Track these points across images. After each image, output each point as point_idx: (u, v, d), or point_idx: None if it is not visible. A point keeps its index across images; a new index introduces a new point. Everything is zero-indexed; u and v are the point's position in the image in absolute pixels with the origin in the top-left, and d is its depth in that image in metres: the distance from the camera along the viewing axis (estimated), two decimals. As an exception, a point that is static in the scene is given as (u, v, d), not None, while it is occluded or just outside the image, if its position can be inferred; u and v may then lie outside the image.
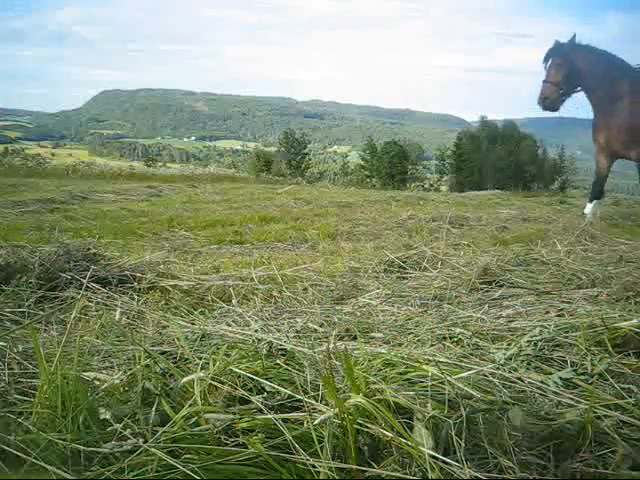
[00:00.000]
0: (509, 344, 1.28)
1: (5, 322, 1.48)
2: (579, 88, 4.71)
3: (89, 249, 1.99)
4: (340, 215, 4.40)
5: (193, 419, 0.88)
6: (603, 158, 4.84)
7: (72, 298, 1.66)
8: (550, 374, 1.09)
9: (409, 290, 1.93)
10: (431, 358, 1.08)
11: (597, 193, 4.82)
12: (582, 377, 1.07)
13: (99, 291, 1.71)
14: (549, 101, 4.70)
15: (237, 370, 0.98)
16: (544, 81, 4.68)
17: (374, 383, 0.89)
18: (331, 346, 1.09)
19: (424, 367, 1.00)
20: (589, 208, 4.74)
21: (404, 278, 2.16)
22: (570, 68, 4.62)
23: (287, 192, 6.73)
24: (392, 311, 1.67)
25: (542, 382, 1.04)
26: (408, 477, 0.76)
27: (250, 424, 0.86)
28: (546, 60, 4.69)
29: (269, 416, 0.86)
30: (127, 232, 3.37)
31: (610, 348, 1.21)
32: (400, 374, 0.99)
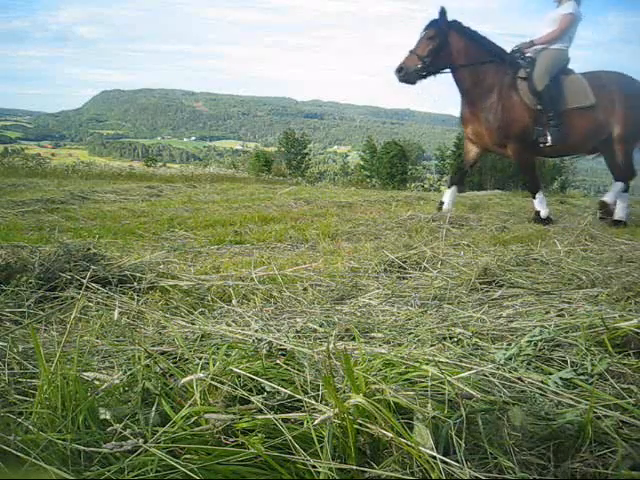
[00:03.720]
0: (509, 344, 1.28)
1: (5, 322, 1.48)
2: (448, 70, 4.42)
3: (89, 249, 1.99)
4: (340, 215, 4.40)
5: (193, 419, 0.88)
6: (471, 149, 4.63)
7: (72, 298, 1.66)
8: (550, 374, 1.09)
9: (409, 290, 1.94)
10: (431, 358, 1.08)
11: (456, 179, 4.64)
12: (582, 377, 1.07)
13: (99, 291, 1.71)
14: (404, 71, 4.28)
15: (237, 370, 0.98)
16: (409, 50, 4.36)
17: (374, 383, 0.89)
18: (331, 346, 1.09)
19: (424, 367, 1.00)
20: (446, 196, 4.57)
21: (404, 278, 2.16)
22: (441, 44, 4.28)
23: (287, 192, 6.73)
24: (392, 311, 1.67)
25: (542, 382, 1.04)
26: (408, 477, 0.76)
27: (250, 424, 0.86)
28: (423, 31, 4.37)
29: (269, 416, 0.86)
30: (127, 232, 3.37)
31: (610, 348, 1.21)
32: (400, 374, 0.99)
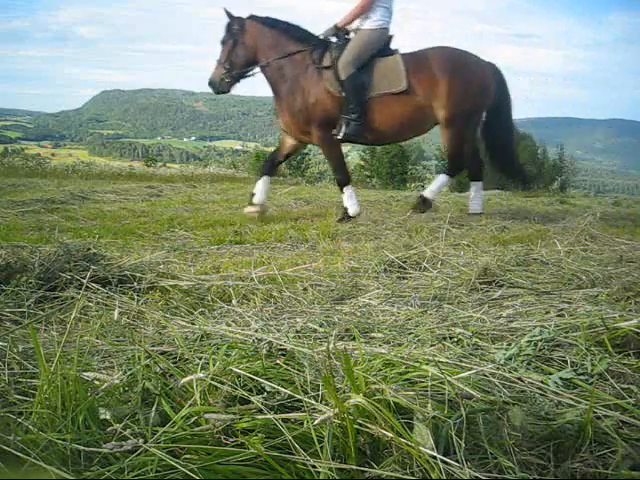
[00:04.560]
0: (509, 344, 1.28)
1: (5, 322, 1.48)
2: (257, 69, 4.20)
3: (89, 249, 1.99)
4: (340, 215, 4.40)
5: (193, 419, 0.88)
6: (286, 141, 4.35)
7: (72, 298, 1.66)
8: (550, 374, 1.09)
9: (409, 290, 1.94)
10: (431, 358, 1.08)
11: (267, 169, 4.29)
12: (582, 377, 1.07)
13: (99, 291, 1.71)
14: (213, 84, 4.21)
15: (237, 370, 0.98)
16: (216, 60, 4.22)
17: (374, 383, 0.89)
18: (331, 346, 1.09)
19: (424, 367, 1.00)
20: (257, 187, 4.19)
21: (404, 278, 2.16)
22: (235, 45, 4.10)
23: (287, 192, 6.73)
24: (392, 311, 1.67)
25: (542, 382, 1.04)
26: (408, 477, 0.76)
27: (250, 424, 0.86)
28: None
29: (269, 416, 0.86)
30: (127, 232, 3.37)
31: (610, 348, 1.21)
32: (400, 374, 0.99)
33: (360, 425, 0.82)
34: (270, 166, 4.41)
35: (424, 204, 4.22)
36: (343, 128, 3.96)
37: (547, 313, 1.55)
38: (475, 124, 4.22)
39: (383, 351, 1.17)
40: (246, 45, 4.11)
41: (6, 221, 3.69)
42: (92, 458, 0.80)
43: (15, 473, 0.76)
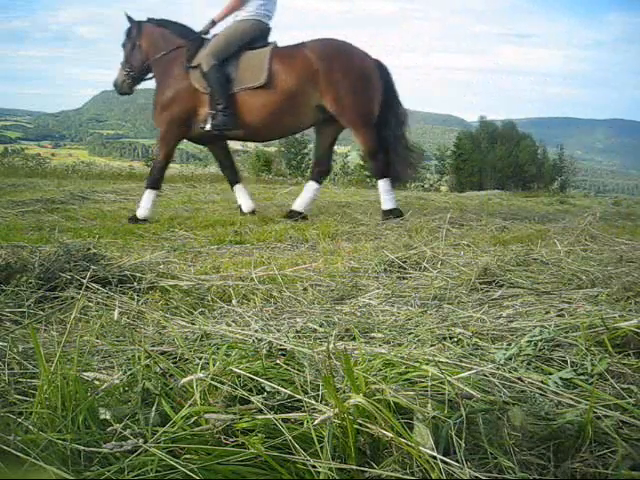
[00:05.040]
0: (509, 344, 1.28)
1: (5, 322, 1.48)
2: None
3: (89, 249, 1.99)
4: (340, 215, 4.40)
5: (193, 419, 0.88)
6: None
7: (72, 298, 1.66)
8: (550, 374, 1.09)
9: (409, 290, 1.94)
10: (431, 358, 1.08)
11: (155, 181, 4.09)
12: (582, 377, 1.07)
13: (99, 291, 1.71)
14: (117, 85, 4.29)
15: (237, 370, 0.98)
16: (120, 63, 4.31)
17: (374, 383, 0.89)
18: (331, 346, 1.09)
19: (424, 367, 1.00)
20: (145, 200, 3.98)
21: (404, 278, 2.16)
22: (133, 48, 4.19)
23: (287, 192, 6.72)
24: (392, 311, 1.67)
25: (542, 382, 1.04)
26: (408, 477, 0.76)
27: (250, 424, 0.86)
28: None
29: (269, 416, 0.86)
30: (127, 232, 3.37)
31: (610, 348, 1.21)
32: (400, 374, 0.99)
33: (360, 425, 0.82)
34: (161, 177, 4.33)
35: (392, 212, 4.10)
36: (210, 120, 3.91)
37: (547, 313, 1.55)
38: (368, 111, 3.99)
39: (383, 351, 1.17)
40: (141, 48, 4.22)
41: (6, 221, 3.69)
42: (92, 458, 0.80)
43: (15, 473, 0.76)
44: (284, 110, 3.91)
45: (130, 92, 4.37)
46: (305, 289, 1.96)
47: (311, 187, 4.32)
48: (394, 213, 4.06)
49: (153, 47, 4.15)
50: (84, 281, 1.53)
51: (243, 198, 4.35)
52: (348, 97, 3.86)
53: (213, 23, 4.09)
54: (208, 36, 4.13)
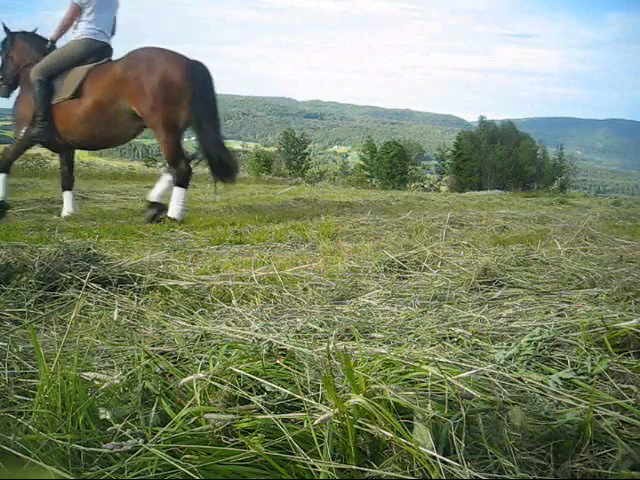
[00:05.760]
0: (509, 344, 1.28)
1: (5, 322, 1.48)
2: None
3: (89, 249, 1.99)
4: (340, 215, 4.40)
5: (193, 419, 0.88)
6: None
7: (72, 298, 1.66)
8: (550, 374, 1.09)
9: (409, 290, 1.94)
10: (431, 358, 1.08)
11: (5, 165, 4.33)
12: (582, 377, 1.07)
13: (99, 291, 1.71)
14: None
15: (237, 370, 0.98)
16: None
17: (374, 383, 0.89)
18: (331, 346, 1.09)
19: (424, 367, 1.00)
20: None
21: (404, 278, 2.16)
22: (7, 57, 4.51)
23: (287, 192, 6.73)
24: (392, 311, 1.67)
25: (542, 382, 1.04)
26: (408, 477, 0.76)
27: (250, 424, 0.86)
28: None
29: (269, 416, 0.86)
30: (127, 232, 3.37)
31: (610, 348, 1.21)
32: (400, 374, 0.99)
33: (360, 425, 0.82)
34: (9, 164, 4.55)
35: (154, 208, 4.10)
36: (24, 130, 4.24)
37: (547, 313, 1.55)
38: (169, 118, 4.05)
39: (383, 351, 1.17)
40: (12, 57, 4.52)
41: (6, 221, 3.69)
42: (92, 458, 0.80)
43: (15, 473, 0.76)
44: (95, 119, 4.12)
45: (7, 95, 4.65)
46: (305, 289, 1.96)
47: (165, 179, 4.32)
48: (175, 220, 3.94)
49: (20, 58, 4.50)
50: (84, 281, 1.53)
51: (66, 202, 4.44)
52: (150, 104, 3.97)
53: (52, 42, 4.38)
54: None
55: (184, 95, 3.99)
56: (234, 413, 0.88)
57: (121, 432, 0.84)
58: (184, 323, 1.48)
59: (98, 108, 4.05)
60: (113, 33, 4.46)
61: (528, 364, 1.15)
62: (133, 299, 1.70)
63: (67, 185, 4.46)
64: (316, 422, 0.83)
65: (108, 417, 0.89)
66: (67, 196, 4.43)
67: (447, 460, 0.75)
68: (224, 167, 4.21)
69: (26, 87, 4.34)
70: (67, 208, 4.38)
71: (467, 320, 1.50)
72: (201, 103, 4.05)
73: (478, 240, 3.14)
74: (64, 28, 4.30)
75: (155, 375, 1.00)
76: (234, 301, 1.77)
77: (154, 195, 4.15)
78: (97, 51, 4.25)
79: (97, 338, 1.31)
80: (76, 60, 4.19)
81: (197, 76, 4.07)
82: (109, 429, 0.86)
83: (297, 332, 1.40)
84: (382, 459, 0.81)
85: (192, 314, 1.62)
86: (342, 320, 1.52)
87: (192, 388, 0.94)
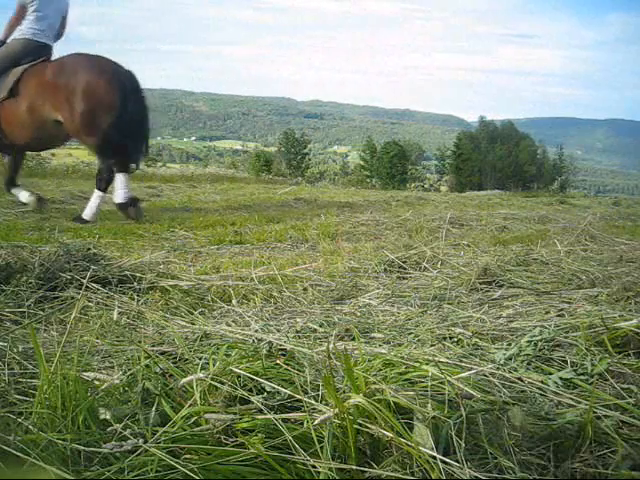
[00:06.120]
0: (509, 344, 1.28)
1: (5, 322, 1.48)
2: None
3: (89, 249, 1.99)
4: (340, 215, 4.40)
5: (193, 419, 0.88)
6: None
7: (72, 298, 1.66)
8: (550, 374, 1.09)
9: (409, 290, 1.94)
10: (431, 358, 1.08)
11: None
12: (582, 377, 1.07)
13: (99, 291, 1.71)
14: None
15: (237, 370, 0.98)
16: None
17: (374, 383, 0.89)
18: (331, 346, 1.09)
19: (424, 367, 1.00)
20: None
21: (404, 278, 2.16)
22: None
23: (287, 192, 6.73)
24: (392, 311, 1.67)
25: (542, 382, 1.04)
26: (408, 477, 0.76)
27: (250, 424, 0.86)
28: None
29: (269, 416, 0.86)
30: (127, 232, 3.37)
31: (610, 348, 1.21)
32: (400, 374, 0.99)
33: (360, 425, 0.82)
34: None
35: (129, 205, 4.09)
36: None
37: (547, 313, 1.55)
38: (91, 124, 4.04)
39: (383, 351, 1.17)
40: None
41: (6, 221, 3.69)
42: (92, 458, 0.80)
43: (15, 473, 0.76)
44: (25, 122, 4.14)
45: None
46: (305, 289, 1.96)
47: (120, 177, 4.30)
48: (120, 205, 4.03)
49: None
50: (84, 281, 1.53)
51: (21, 195, 4.40)
52: (71, 110, 3.98)
53: (1, 42, 4.34)
54: None
55: (109, 105, 4.01)
56: (234, 413, 0.88)
57: (121, 432, 0.84)
58: (184, 323, 1.48)
59: (26, 112, 4.09)
60: (60, 33, 4.47)
61: (528, 364, 1.15)
62: (133, 299, 1.70)
63: (12, 184, 4.46)
64: (316, 422, 0.83)
65: (108, 417, 0.89)
66: (17, 190, 4.41)
67: (447, 460, 0.75)
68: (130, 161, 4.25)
69: None
70: (24, 195, 4.36)
71: (467, 320, 1.50)
72: (126, 113, 4.04)
73: (478, 240, 3.14)
74: (11, 27, 4.32)
75: (155, 375, 1.00)
76: (234, 301, 1.77)
77: (119, 196, 4.10)
78: (34, 51, 4.26)
79: (97, 338, 1.31)
80: (14, 59, 4.21)
81: (124, 84, 4.09)
82: (109, 429, 0.86)
83: (297, 332, 1.40)
84: (382, 459, 0.81)
85: (192, 314, 1.62)
86: (342, 320, 1.52)
87: (192, 388, 0.94)
